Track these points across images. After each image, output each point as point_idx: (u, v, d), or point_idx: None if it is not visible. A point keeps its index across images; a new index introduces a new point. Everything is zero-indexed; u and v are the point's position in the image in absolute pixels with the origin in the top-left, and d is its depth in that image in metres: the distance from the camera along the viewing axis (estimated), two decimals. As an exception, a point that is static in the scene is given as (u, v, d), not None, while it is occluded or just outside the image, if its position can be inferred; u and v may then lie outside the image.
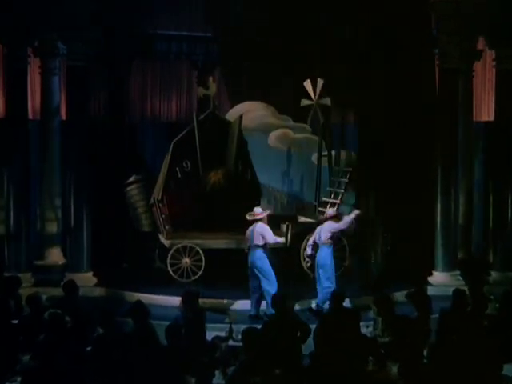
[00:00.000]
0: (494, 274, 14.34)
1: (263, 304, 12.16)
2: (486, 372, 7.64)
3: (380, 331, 9.49)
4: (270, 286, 11.91)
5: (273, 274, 12.07)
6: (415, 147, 15.23)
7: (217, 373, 8.04)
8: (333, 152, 16.10)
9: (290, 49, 15.66)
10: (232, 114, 16.21)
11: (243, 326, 10.13)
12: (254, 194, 15.04)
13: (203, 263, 13.89)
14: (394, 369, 7.40)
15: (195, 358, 7.85)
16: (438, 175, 14.10)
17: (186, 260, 13.94)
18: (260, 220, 12.26)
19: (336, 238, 12.77)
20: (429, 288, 13.22)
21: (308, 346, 9.04)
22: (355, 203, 15.85)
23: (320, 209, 15.45)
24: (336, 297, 9.72)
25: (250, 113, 16.52)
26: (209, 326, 10.04)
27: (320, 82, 15.42)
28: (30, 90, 15.28)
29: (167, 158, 14.86)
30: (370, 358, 8.24)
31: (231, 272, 13.50)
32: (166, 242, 14.29)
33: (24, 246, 14.11)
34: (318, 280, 12.28)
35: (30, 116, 15.13)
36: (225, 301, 12.68)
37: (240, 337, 8.90)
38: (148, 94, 16.38)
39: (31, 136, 14.76)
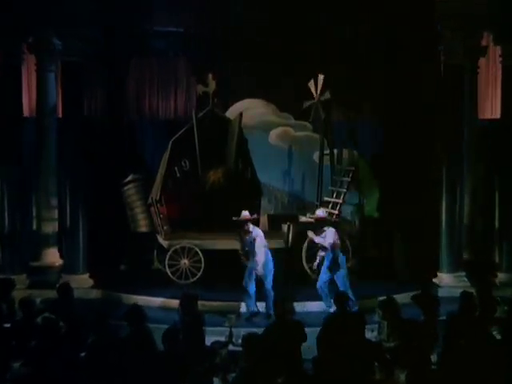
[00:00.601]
0: (500, 276, 14.01)
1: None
2: (496, 378, 7.41)
3: (385, 336, 9.14)
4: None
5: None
6: (419, 146, 14.95)
7: (216, 380, 7.71)
8: (335, 150, 15.99)
9: (290, 47, 15.50)
10: (232, 112, 16.07)
11: (243, 330, 10.15)
12: (254, 194, 14.98)
13: (202, 264, 13.68)
14: (402, 377, 7.05)
15: (193, 364, 7.51)
16: (443, 174, 13.82)
17: (185, 261, 13.73)
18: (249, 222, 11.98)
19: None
20: (433, 289, 13.06)
21: (310, 350, 8.79)
22: (358, 203, 15.75)
23: (321, 208, 15.13)
24: (339, 299, 9.38)
25: (250, 110, 16.45)
26: (208, 329, 9.79)
27: (321, 78, 15.26)
28: (26, 88, 15.06)
29: (165, 156, 14.74)
30: (376, 364, 7.97)
31: (231, 273, 13.11)
32: (164, 243, 14.10)
33: (19, 247, 13.84)
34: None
35: (26, 114, 14.93)
36: (224, 303, 12.44)
37: (240, 341, 8.65)
38: (146, 91, 16.14)
39: (26, 134, 14.55)
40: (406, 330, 8.76)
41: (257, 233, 11.94)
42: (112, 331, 8.80)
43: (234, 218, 11.91)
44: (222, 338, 9.71)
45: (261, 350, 7.66)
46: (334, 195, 15.08)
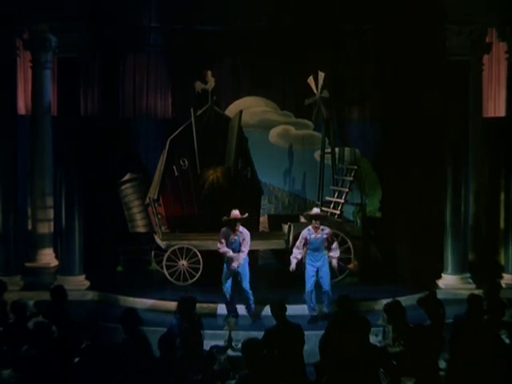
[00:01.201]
0: (505, 277, 13.71)
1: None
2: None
3: (390, 340, 8.88)
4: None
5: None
6: (422, 144, 14.51)
7: (215, 387, 7.42)
8: (336, 149, 15.80)
9: (291, 44, 15.38)
10: (231, 110, 15.90)
11: (243, 333, 10.13)
12: (254, 193, 14.73)
13: (201, 265, 13.43)
14: (410, 384, 6.77)
15: (191, 371, 7.19)
16: (448, 174, 13.55)
17: (183, 262, 13.49)
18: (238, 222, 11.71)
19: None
20: (438, 292, 12.43)
21: (313, 354, 8.59)
22: (360, 203, 15.58)
23: (323, 208, 15.05)
24: (343, 302, 9.04)
25: (251, 108, 16.30)
26: (207, 332, 9.48)
27: (321, 75, 15.09)
28: (21, 85, 14.97)
29: (163, 155, 14.49)
30: (381, 370, 7.69)
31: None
32: (162, 244, 13.84)
33: (13, 248, 13.57)
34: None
35: (21, 112, 14.81)
36: (223, 305, 12.06)
37: (240, 346, 8.40)
38: (144, 89, 15.95)
39: (21, 133, 14.38)
40: (412, 335, 8.41)
41: (246, 233, 11.70)
42: (106, 336, 8.49)
43: (225, 218, 11.68)
44: (221, 343, 9.48)
45: (261, 356, 7.37)
46: (336, 195, 14.95)
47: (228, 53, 15.77)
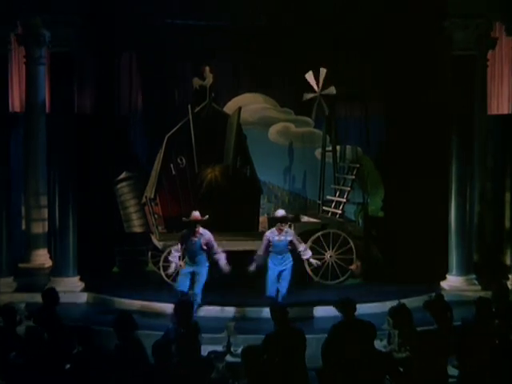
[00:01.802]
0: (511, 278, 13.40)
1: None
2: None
3: (396, 345, 8.57)
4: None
5: None
6: (426, 142, 14.52)
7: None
8: (338, 147, 15.58)
9: (292, 38, 15.13)
10: (230, 107, 15.60)
11: (242, 337, 9.86)
12: (253, 192, 14.45)
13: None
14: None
15: (187, 380, 6.84)
16: (452, 172, 13.28)
17: (180, 263, 12.84)
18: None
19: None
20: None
21: (314, 359, 8.30)
22: (362, 202, 15.38)
23: (324, 208, 15.02)
24: (347, 305, 8.68)
25: (250, 105, 16.06)
26: (205, 336, 9.26)
27: (323, 72, 14.84)
28: (16, 82, 14.85)
29: (160, 153, 14.21)
30: (387, 376, 7.47)
31: (230, 276, 12.59)
32: (159, 244, 13.54)
33: (6, 248, 13.31)
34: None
35: (14, 109, 14.65)
36: (222, 308, 11.93)
37: (239, 351, 8.30)
38: (140, 85, 15.74)
39: (14, 131, 14.25)
40: (419, 340, 8.07)
41: (208, 235, 11.50)
42: (101, 340, 8.32)
43: (184, 219, 11.55)
44: (220, 348, 9.17)
45: (262, 363, 7.04)
46: (337, 194, 14.80)
47: (227, 49, 15.45)
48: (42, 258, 14.96)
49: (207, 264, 11.61)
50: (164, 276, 13.21)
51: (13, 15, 12.99)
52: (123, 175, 14.59)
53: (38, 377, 7.19)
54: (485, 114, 14.84)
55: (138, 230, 14.60)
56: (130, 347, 7.59)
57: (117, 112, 15.29)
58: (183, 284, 11.49)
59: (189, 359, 7.35)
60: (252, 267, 11.53)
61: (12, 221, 13.77)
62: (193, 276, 11.55)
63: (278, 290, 11.44)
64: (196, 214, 11.55)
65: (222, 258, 11.60)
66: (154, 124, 15.53)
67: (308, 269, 13.34)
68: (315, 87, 15.00)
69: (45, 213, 14.85)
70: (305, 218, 14.72)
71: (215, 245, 11.56)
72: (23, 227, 15.19)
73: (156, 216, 14.04)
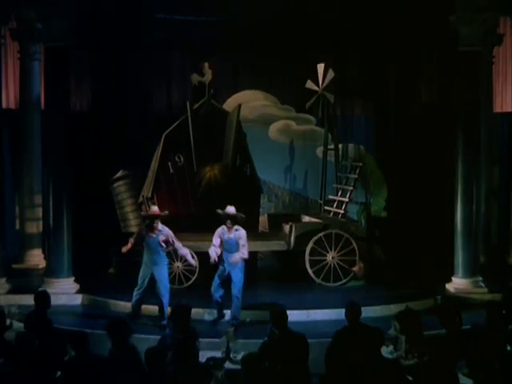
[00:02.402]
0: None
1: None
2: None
3: (403, 352, 8.20)
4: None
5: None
6: (431, 140, 14.52)
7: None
8: (340, 145, 15.48)
9: (292, 36, 15.03)
10: (230, 104, 15.44)
11: (242, 342, 9.65)
12: (253, 192, 14.31)
13: (197, 268, 12.82)
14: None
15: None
16: (458, 171, 12.91)
17: (178, 264, 12.97)
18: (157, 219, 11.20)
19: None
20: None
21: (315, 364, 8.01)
22: (365, 201, 15.37)
23: (326, 207, 14.88)
24: (352, 309, 8.33)
25: (250, 103, 15.93)
26: (203, 341, 8.94)
27: (321, 67, 14.79)
28: (11, 77, 14.67)
29: (158, 151, 14.06)
30: None
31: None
32: None
33: (0, 249, 12.98)
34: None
35: (6, 106, 14.35)
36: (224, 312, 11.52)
37: (239, 357, 8.14)
38: (138, 81, 15.46)
39: (7, 128, 14.08)
40: (428, 346, 7.78)
41: (167, 232, 11.17)
42: (95, 345, 7.87)
43: (143, 213, 11.36)
44: (218, 353, 8.88)
45: (263, 370, 6.71)
46: (340, 193, 14.58)
47: (227, 45, 15.24)
48: (36, 258, 14.74)
49: (166, 262, 11.30)
50: None
51: (6, 8, 12.72)
52: (120, 174, 14.43)
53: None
54: (490, 111, 14.70)
55: (134, 229, 13.93)
56: (124, 354, 7.27)
57: (113, 109, 15.07)
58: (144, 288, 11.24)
59: (186, 367, 7.01)
60: (212, 259, 11.14)
61: (5, 220, 13.54)
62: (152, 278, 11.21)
63: (223, 291, 11.13)
64: (155, 208, 11.32)
65: (186, 254, 11.37)
66: (152, 121, 15.36)
67: (310, 271, 13.16)
68: (316, 88, 14.90)
69: (39, 212, 14.66)
70: (306, 218, 14.51)
71: (176, 242, 11.22)
72: (17, 227, 15.01)
73: None
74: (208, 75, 14.40)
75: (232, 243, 11.05)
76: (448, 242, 13.22)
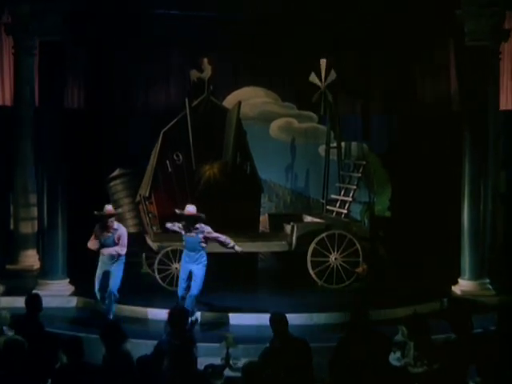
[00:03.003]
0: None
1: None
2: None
3: (411, 359, 7.85)
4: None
5: None
6: (436, 137, 14.38)
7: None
8: (342, 143, 15.26)
9: (295, 30, 14.87)
10: (230, 101, 15.31)
11: (242, 347, 9.22)
12: (253, 190, 14.21)
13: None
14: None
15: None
16: (465, 170, 12.69)
17: (176, 266, 12.63)
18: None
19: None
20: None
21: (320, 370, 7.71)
22: (368, 201, 15.27)
23: (328, 207, 14.77)
24: (357, 313, 7.96)
25: (250, 100, 15.86)
26: (201, 346, 8.65)
27: (323, 62, 14.67)
28: (6, 73, 14.53)
29: (156, 149, 13.95)
30: None
31: (228, 280, 12.73)
32: (154, 245, 13.16)
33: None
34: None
35: (6, 102, 14.42)
36: (221, 315, 11.35)
37: (239, 364, 7.94)
38: (135, 77, 15.46)
39: (3, 124, 14.11)
40: (438, 353, 7.43)
41: (122, 231, 11.12)
42: (89, 350, 7.40)
43: (96, 213, 11.18)
44: (217, 360, 8.52)
45: (265, 380, 6.36)
46: (342, 192, 14.43)
47: (227, 44, 15.12)
48: (30, 259, 14.48)
49: (123, 260, 11.21)
50: (159, 279, 12.79)
51: (0, 3, 12.71)
52: (117, 172, 14.33)
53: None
54: (497, 109, 14.39)
55: (131, 230, 14.08)
56: (118, 360, 6.90)
57: (110, 106, 14.95)
58: (99, 283, 11.09)
59: (183, 375, 6.67)
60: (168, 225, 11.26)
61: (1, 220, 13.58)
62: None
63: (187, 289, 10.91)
64: (109, 207, 11.21)
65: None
66: (150, 119, 15.19)
67: (311, 272, 12.96)
68: (319, 83, 14.73)
69: (34, 211, 14.40)
70: (308, 218, 14.32)
71: (125, 241, 11.11)
72: (11, 227, 14.80)
73: (150, 215, 13.77)
74: (207, 71, 14.28)
75: (196, 241, 10.85)
76: (453, 243, 13.03)
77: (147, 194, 13.65)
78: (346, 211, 13.84)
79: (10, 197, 14.72)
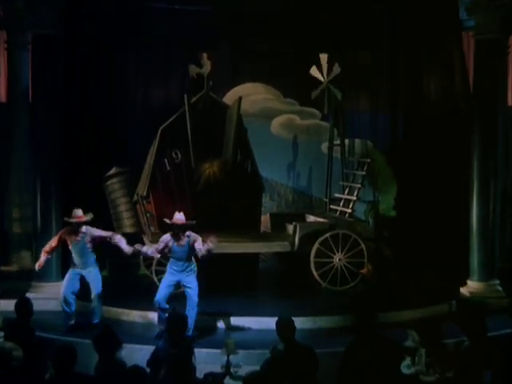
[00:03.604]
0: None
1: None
2: None
3: (423, 367, 7.45)
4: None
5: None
6: (445, 135, 14.09)
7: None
8: (346, 141, 15.10)
9: (295, 25, 14.74)
10: (230, 97, 15.07)
11: (243, 352, 8.99)
12: (254, 189, 13.95)
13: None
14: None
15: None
16: (474, 167, 12.46)
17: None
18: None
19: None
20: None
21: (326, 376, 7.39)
22: (372, 200, 15.07)
23: (332, 206, 14.55)
24: (364, 318, 7.56)
25: (251, 96, 15.64)
26: (201, 352, 8.56)
27: (324, 58, 14.39)
28: (4, 69, 14.41)
29: (154, 147, 13.65)
30: None
31: (228, 282, 12.40)
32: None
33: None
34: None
35: (1, 99, 14.33)
36: (220, 318, 11.10)
37: (240, 372, 7.83)
38: (132, 73, 15.16)
39: None
40: (451, 360, 7.10)
41: (91, 231, 10.90)
42: (83, 357, 7.04)
43: (66, 219, 10.95)
44: (218, 367, 8.27)
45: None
46: (346, 191, 14.21)
47: (227, 34, 14.96)
48: (25, 260, 14.24)
49: (96, 264, 11.05)
50: (157, 281, 12.32)
51: None
52: (113, 171, 14.12)
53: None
54: (505, 104, 14.13)
55: (129, 230, 14.08)
56: (111, 370, 6.51)
57: (106, 103, 14.56)
58: (70, 286, 10.83)
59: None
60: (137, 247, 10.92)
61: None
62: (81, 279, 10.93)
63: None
64: (79, 212, 10.89)
65: (120, 241, 10.91)
66: (147, 115, 14.96)
67: (315, 273, 12.68)
68: (321, 78, 14.48)
69: (28, 211, 14.02)
70: (311, 218, 14.04)
71: (104, 233, 10.94)
72: (5, 227, 14.60)
73: (148, 215, 13.52)
74: (207, 66, 13.96)
75: (184, 251, 10.48)
76: (461, 243, 12.81)
77: (145, 194, 13.41)
78: (350, 210, 13.59)
79: (3, 196, 14.53)
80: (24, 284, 12.72)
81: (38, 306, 9.81)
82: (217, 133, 13.79)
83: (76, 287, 10.85)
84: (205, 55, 14.00)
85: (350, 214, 13.62)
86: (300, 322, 10.03)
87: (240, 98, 13.78)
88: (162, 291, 10.45)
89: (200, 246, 10.41)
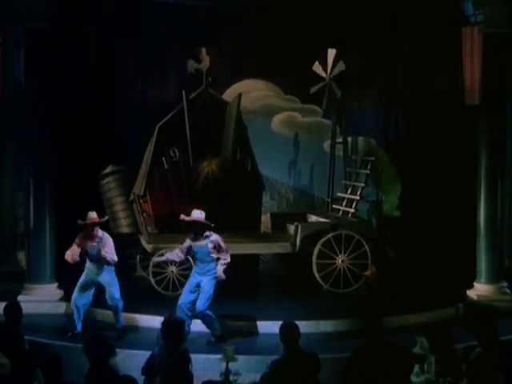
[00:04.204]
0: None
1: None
2: None
3: (433, 375, 7.08)
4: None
5: None
6: (451, 133, 14.08)
7: None
8: (349, 138, 14.87)
9: (297, 21, 14.62)
10: (229, 94, 14.98)
11: (243, 358, 8.71)
12: (254, 188, 13.90)
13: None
14: None
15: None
16: (481, 167, 12.26)
17: (172, 269, 12.26)
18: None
19: None
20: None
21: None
22: (376, 200, 15.00)
23: (334, 206, 14.40)
24: (371, 325, 7.21)
25: (251, 93, 15.57)
26: (199, 357, 8.27)
27: (332, 53, 14.16)
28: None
29: (151, 144, 13.56)
30: None
31: (228, 283, 11.56)
32: (148, 247, 12.67)
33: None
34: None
35: None
36: (220, 322, 10.62)
37: (240, 380, 7.55)
38: (131, 71, 15.21)
39: None
40: (463, 368, 6.76)
41: (106, 239, 10.54)
42: (75, 363, 7.23)
43: (79, 222, 10.60)
44: (216, 375, 7.99)
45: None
46: (349, 190, 14.02)
47: (227, 30, 14.80)
48: (18, 261, 14.11)
49: (113, 267, 10.67)
50: (154, 283, 12.28)
51: None
52: (109, 169, 13.99)
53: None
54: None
55: (125, 230, 13.97)
56: (103, 378, 6.15)
57: (103, 100, 14.53)
58: (85, 297, 10.51)
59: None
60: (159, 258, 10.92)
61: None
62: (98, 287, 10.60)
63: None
64: (93, 215, 10.53)
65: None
66: (145, 112, 14.85)
67: (317, 275, 12.45)
68: (323, 74, 14.30)
69: (21, 211, 13.86)
70: (312, 218, 13.87)
71: (112, 249, 10.56)
72: None
73: (145, 215, 13.36)
74: (205, 62, 13.86)
75: (204, 252, 10.13)
76: (469, 244, 12.58)
77: (142, 193, 13.25)
78: (353, 210, 13.39)
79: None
80: (17, 286, 12.41)
81: (31, 308, 9.79)
82: (216, 130, 13.71)
83: (89, 299, 10.51)
84: (203, 50, 13.93)
85: (353, 214, 13.44)
86: (302, 326, 9.63)
87: (240, 95, 13.74)
88: (184, 296, 10.14)
89: (222, 255, 10.13)
